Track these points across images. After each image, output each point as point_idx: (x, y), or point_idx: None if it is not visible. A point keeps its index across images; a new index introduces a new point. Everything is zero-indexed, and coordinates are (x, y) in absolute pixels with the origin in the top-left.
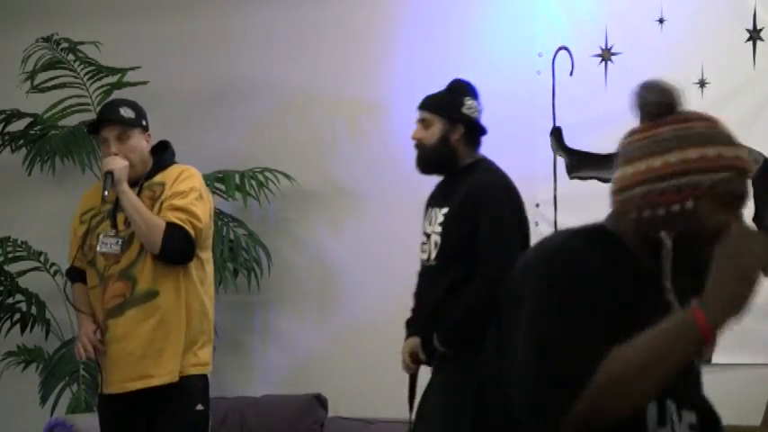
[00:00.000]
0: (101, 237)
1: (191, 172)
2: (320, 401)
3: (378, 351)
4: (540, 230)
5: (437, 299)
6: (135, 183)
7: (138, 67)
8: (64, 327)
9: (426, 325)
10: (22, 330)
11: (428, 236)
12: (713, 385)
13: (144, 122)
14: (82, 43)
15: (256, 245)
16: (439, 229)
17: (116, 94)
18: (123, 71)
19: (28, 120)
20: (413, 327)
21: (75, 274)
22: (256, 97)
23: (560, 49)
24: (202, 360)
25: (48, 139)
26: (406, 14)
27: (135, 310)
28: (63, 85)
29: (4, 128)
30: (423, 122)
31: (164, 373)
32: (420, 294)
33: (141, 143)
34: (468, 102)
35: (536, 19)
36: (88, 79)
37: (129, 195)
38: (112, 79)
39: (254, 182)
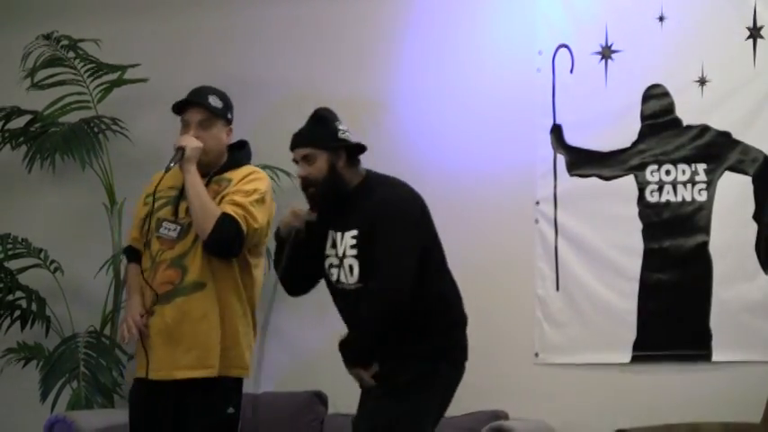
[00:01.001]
0: (161, 221)
1: (259, 175)
2: (320, 398)
3: None
4: (540, 228)
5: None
6: (204, 174)
7: (138, 65)
8: (64, 323)
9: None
10: (23, 327)
11: (340, 259)
12: (714, 383)
13: (229, 116)
14: (82, 40)
15: None
16: (353, 251)
17: (116, 92)
18: (123, 68)
19: (28, 117)
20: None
21: (132, 254)
22: (257, 95)
23: (560, 46)
24: (242, 363)
25: (48, 136)
26: (407, 13)
27: (183, 299)
28: (63, 83)
29: (4, 125)
30: (305, 159)
31: (205, 366)
32: (350, 318)
33: (221, 135)
34: (341, 126)
35: (536, 16)
36: (88, 76)
37: (193, 176)
38: (113, 77)
39: None
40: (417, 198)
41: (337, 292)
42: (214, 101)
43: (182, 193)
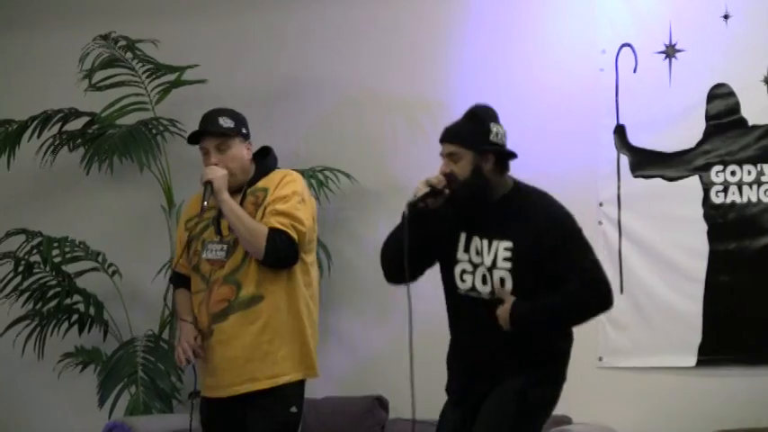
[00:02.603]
0: (206, 243)
1: (293, 176)
2: (381, 403)
3: (439, 351)
4: (603, 230)
5: (513, 338)
6: (238, 190)
7: (197, 65)
8: (122, 327)
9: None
10: (80, 331)
11: (475, 265)
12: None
13: (244, 130)
14: (140, 41)
15: (316, 244)
16: (507, 264)
17: (174, 93)
18: (182, 69)
19: (86, 119)
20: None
21: (179, 280)
22: (316, 96)
23: (623, 45)
24: (311, 363)
25: (105, 138)
26: (468, 13)
27: (239, 314)
28: (121, 84)
29: (62, 127)
30: (450, 156)
31: (268, 377)
32: (479, 323)
33: (242, 152)
34: (495, 128)
35: (599, 15)
36: (146, 77)
37: (229, 204)
38: (171, 77)
39: (313, 181)
40: None
41: (468, 300)
42: (225, 122)
43: (220, 212)
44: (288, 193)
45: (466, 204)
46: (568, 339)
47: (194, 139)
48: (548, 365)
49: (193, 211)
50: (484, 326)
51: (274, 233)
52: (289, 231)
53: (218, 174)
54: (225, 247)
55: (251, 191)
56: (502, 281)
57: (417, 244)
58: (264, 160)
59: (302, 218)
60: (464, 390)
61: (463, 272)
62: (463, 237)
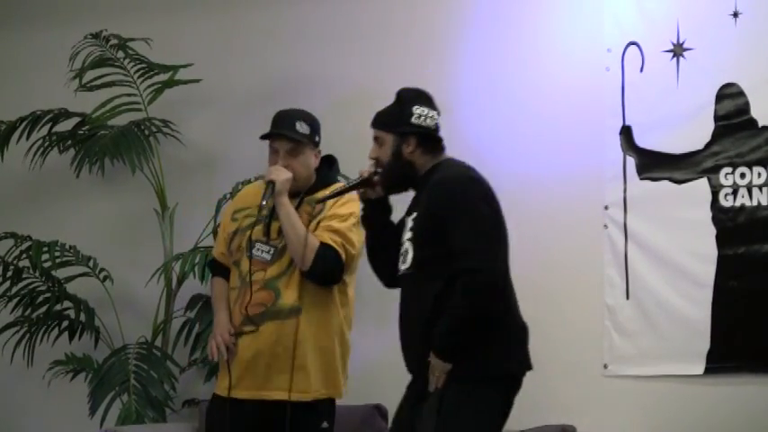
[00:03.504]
0: (253, 241)
1: (353, 196)
2: (380, 412)
3: None
4: (609, 234)
5: (424, 307)
6: (296, 194)
7: (191, 65)
8: (114, 334)
9: (418, 334)
10: (71, 338)
11: (402, 245)
12: (752, 397)
13: (317, 138)
14: (132, 40)
15: None
16: (409, 235)
17: (167, 93)
18: (175, 68)
19: (76, 119)
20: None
21: (217, 268)
22: (312, 95)
23: (630, 44)
24: (337, 384)
25: (97, 139)
26: (471, 11)
27: (275, 322)
28: (112, 84)
29: (51, 128)
30: (376, 140)
31: (299, 391)
32: (404, 303)
33: (310, 159)
34: (418, 110)
35: (604, 13)
36: (138, 77)
37: (287, 208)
38: (164, 77)
39: None
40: (477, 174)
41: (401, 279)
42: (301, 127)
43: (272, 213)
44: (345, 213)
45: (393, 187)
46: (499, 330)
47: (267, 135)
48: (469, 360)
49: (245, 203)
50: (408, 307)
51: (325, 249)
52: (339, 250)
53: (282, 176)
54: (271, 250)
55: (308, 200)
56: (405, 252)
57: (380, 236)
58: (328, 171)
59: (354, 241)
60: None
61: (401, 254)
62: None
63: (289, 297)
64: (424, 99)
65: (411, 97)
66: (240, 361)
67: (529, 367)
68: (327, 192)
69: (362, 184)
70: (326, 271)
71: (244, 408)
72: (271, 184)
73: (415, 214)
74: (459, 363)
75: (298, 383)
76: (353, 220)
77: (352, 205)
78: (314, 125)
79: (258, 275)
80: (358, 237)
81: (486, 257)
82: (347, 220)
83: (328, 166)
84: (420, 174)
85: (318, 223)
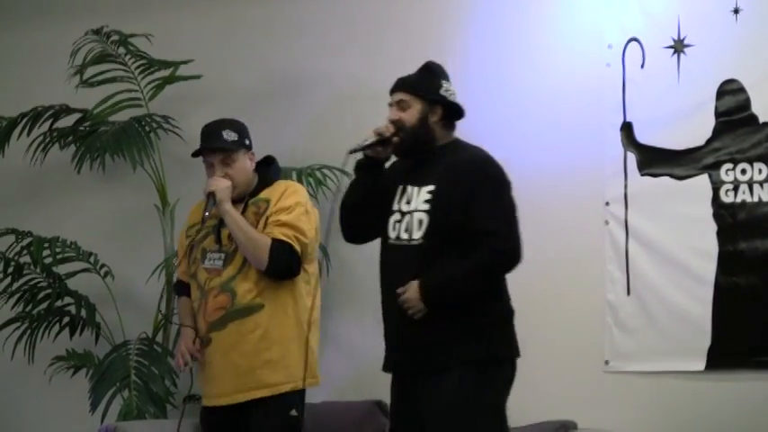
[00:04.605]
0: (206, 252)
1: (295, 187)
2: (381, 408)
3: None
4: (610, 230)
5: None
6: (240, 200)
7: (192, 61)
8: (115, 330)
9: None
10: (71, 334)
11: (403, 214)
12: (753, 393)
13: (247, 142)
14: (133, 36)
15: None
16: (425, 206)
17: (168, 89)
18: (176, 65)
19: (77, 115)
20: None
21: (182, 288)
22: (314, 92)
23: (631, 40)
24: (312, 373)
25: (97, 135)
26: (471, 8)
27: (237, 322)
28: (113, 80)
29: (52, 124)
30: (399, 104)
31: (269, 385)
32: (396, 271)
33: (245, 164)
34: (446, 84)
35: (605, 9)
36: (139, 73)
37: (232, 214)
38: (165, 73)
39: (311, 179)
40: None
41: (391, 248)
42: (228, 135)
43: (221, 221)
44: (291, 204)
45: (409, 152)
46: (501, 312)
47: (198, 152)
48: (481, 343)
49: (194, 220)
50: (404, 274)
51: (277, 244)
52: (292, 243)
53: (221, 185)
54: (223, 256)
55: (253, 201)
56: (419, 223)
57: (367, 195)
58: (267, 170)
59: (305, 229)
60: (394, 357)
61: (395, 222)
62: (399, 189)
63: (245, 296)
64: (448, 77)
65: (440, 71)
66: (212, 368)
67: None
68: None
69: (379, 143)
70: (283, 266)
71: (223, 414)
72: (211, 195)
73: (431, 187)
74: (473, 345)
75: (268, 378)
76: (301, 208)
77: (295, 196)
78: (241, 131)
79: (215, 281)
80: (308, 225)
81: (516, 243)
82: (294, 210)
83: (266, 166)
84: (436, 145)
85: (267, 220)
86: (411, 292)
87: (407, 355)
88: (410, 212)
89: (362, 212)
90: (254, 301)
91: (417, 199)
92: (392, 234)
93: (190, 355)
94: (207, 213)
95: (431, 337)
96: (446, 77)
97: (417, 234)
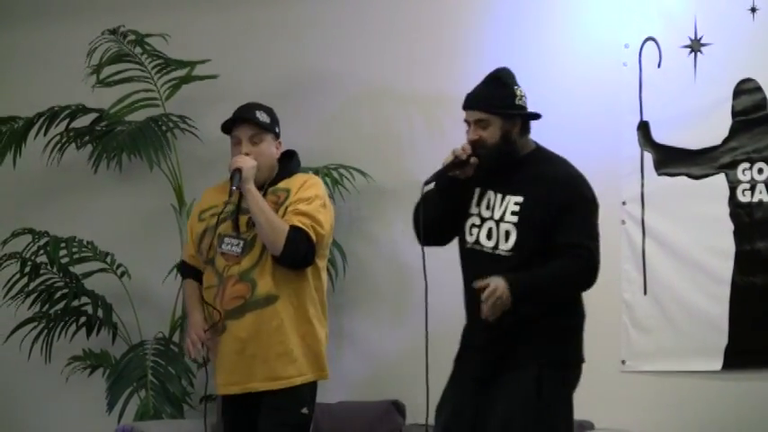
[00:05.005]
0: (223, 237)
1: (315, 180)
2: (398, 408)
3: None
4: (626, 229)
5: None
6: (260, 187)
7: (208, 60)
8: (131, 330)
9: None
10: (88, 334)
11: (483, 219)
12: None
13: (277, 129)
14: (149, 35)
15: (331, 244)
16: (513, 218)
17: (184, 89)
18: (192, 64)
19: (94, 115)
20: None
21: (187, 270)
22: (331, 91)
23: (647, 39)
24: (322, 366)
25: (114, 135)
26: (489, 7)
27: (255, 313)
28: (130, 79)
29: (69, 123)
30: (478, 123)
31: (285, 377)
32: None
33: (272, 149)
34: (519, 91)
35: (622, 9)
36: (156, 73)
37: (254, 194)
38: (181, 73)
39: (328, 179)
40: None
41: (472, 254)
42: (262, 116)
43: (239, 207)
44: (311, 195)
45: (493, 168)
46: (578, 317)
47: (227, 126)
48: (561, 345)
49: (208, 203)
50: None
51: (295, 231)
52: (309, 231)
53: (248, 163)
54: (241, 243)
55: (272, 190)
56: (507, 234)
57: (448, 212)
58: (289, 162)
59: (323, 221)
60: (478, 360)
61: (472, 225)
62: (477, 191)
63: (264, 286)
64: (516, 79)
65: (511, 78)
66: (226, 356)
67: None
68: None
69: (457, 166)
70: (298, 253)
71: (242, 401)
72: (237, 171)
73: (520, 198)
74: (554, 348)
75: (282, 370)
76: (319, 201)
77: (315, 188)
78: (273, 115)
79: (233, 269)
80: (326, 217)
81: (598, 263)
82: (313, 201)
83: (289, 159)
84: (520, 154)
85: (286, 209)
86: (498, 285)
87: (490, 354)
88: (493, 220)
89: (441, 223)
90: (271, 292)
91: (501, 208)
92: (470, 239)
93: (201, 343)
94: (234, 188)
95: (514, 338)
96: (516, 82)
97: (504, 245)
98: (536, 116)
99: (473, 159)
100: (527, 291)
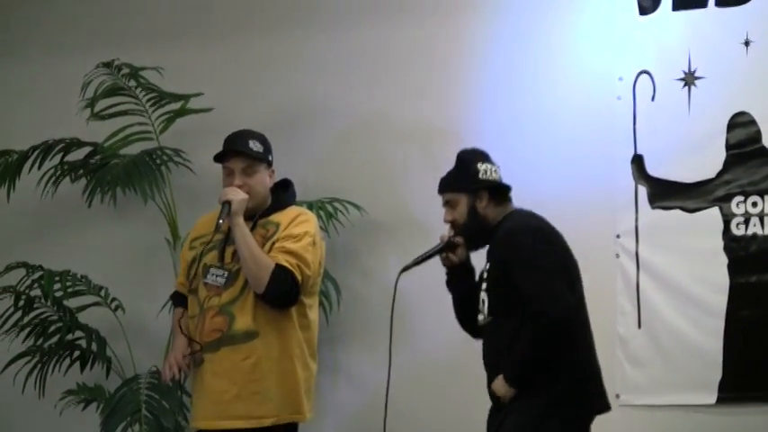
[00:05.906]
0: (208, 267)
1: (307, 216)
2: None
3: (451, 390)
4: (621, 263)
5: (503, 343)
6: (250, 217)
7: (202, 94)
8: (125, 364)
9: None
10: (82, 368)
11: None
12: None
13: (270, 157)
14: (144, 68)
15: (325, 278)
16: (484, 285)
17: (179, 122)
18: (186, 98)
19: (88, 149)
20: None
21: (178, 299)
22: (325, 124)
23: (641, 72)
24: (299, 409)
25: (108, 168)
26: (484, 40)
27: (231, 348)
28: (124, 113)
29: (63, 157)
30: (448, 204)
31: (253, 416)
32: (486, 347)
33: (265, 179)
34: (482, 167)
35: (616, 42)
36: (150, 106)
37: (242, 229)
38: (175, 106)
39: (322, 212)
40: (544, 223)
41: (481, 330)
42: (255, 145)
43: (227, 238)
44: (300, 233)
45: (471, 243)
46: (561, 365)
47: (220, 156)
48: (537, 394)
49: (199, 232)
50: (489, 348)
51: (280, 270)
52: (294, 271)
53: (238, 196)
54: (225, 274)
55: (262, 222)
56: (483, 302)
57: (465, 295)
58: (283, 194)
59: (309, 261)
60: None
61: (479, 306)
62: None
63: (243, 322)
64: (483, 156)
65: (472, 157)
66: (204, 390)
67: (595, 409)
68: None
69: (444, 249)
70: (282, 293)
71: None
72: (226, 204)
73: (487, 265)
74: (528, 395)
75: (256, 409)
76: (309, 239)
77: (306, 225)
78: (266, 144)
79: (213, 301)
80: (314, 256)
81: (551, 301)
82: (302, 239)
83: (283, 189)
84: (492, 226)
85: (273, 244)
86: (502, 389)
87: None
88: (480, 293)
89: (469, 311)
90: (249, 329)
91: (482, 280)
92: (479, 318)
93: (178, 368)
94: (221, 221)
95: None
96: (482, 159)
97: (485, 313)
98: (504, 187)
99: (458, 239)
100: (519, 370)
